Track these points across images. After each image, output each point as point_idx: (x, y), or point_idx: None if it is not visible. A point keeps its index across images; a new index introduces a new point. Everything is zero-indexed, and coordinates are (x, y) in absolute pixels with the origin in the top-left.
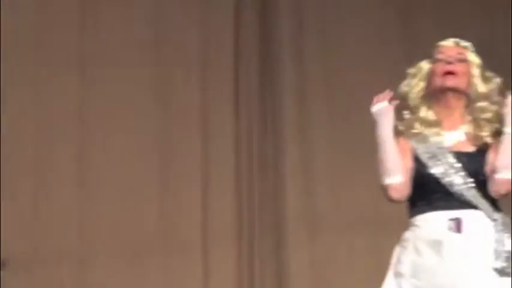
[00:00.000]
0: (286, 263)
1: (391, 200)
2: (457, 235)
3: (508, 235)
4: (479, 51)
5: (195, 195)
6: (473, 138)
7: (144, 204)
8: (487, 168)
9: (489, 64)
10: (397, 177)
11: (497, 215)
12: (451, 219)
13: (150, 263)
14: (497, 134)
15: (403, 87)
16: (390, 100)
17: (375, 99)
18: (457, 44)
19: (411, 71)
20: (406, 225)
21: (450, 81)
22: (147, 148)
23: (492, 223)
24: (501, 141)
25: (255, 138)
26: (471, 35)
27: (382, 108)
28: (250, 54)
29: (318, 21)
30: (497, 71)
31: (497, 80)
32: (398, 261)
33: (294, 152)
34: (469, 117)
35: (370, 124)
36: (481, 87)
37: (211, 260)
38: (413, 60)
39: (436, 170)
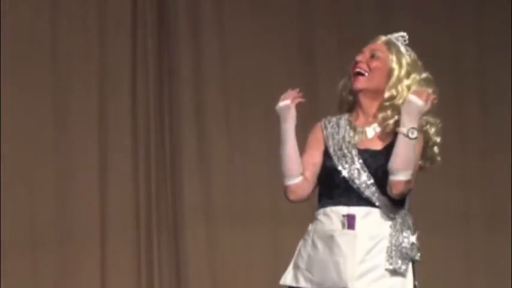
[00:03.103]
0: (184, 254)
1: (289, 201)
2: (349, 231)
3: (406, 235)
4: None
5: (92, 185)
6: (381, 135)
7: (40, 193)
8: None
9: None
10: (294, 179)
11: (397, 214)
12: (344, 215)
13: (46, 252)
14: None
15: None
16: (294, 99)
17: (281, 97)
18: (385, 42)
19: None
20: (303, 219)
21: (358, 84)
22: (43, 135)
23: (390, 222)
24: (396, 142)
25: (152, 129)
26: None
27: (284, 106)
28: (147, 38)
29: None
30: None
31: (417, 76)
32: (299, 253)
33: (191, 143)
34: (378, 114)
35: (267, 117)
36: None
37: (108, 251)
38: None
39: (340, 164)
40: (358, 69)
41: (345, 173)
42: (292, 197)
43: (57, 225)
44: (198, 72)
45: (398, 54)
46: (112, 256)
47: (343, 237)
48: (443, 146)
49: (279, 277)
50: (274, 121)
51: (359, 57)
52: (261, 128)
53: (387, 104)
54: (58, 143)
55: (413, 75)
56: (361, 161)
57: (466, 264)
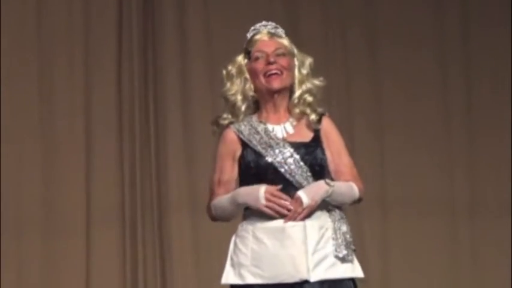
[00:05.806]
0: (168, 241)
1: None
2: (299, 223)
3: (345, 225)
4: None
5: (78, 172)
6: (301, 129)
7: (25, 181)
8: (329, 165)
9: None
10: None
11: (331, 205)
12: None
13: (32, 237)
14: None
15: (228, 91)
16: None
17: (270, 193)
18: (272, 36)
19: (232, 70)
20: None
21: (277, 83)
22: (29, 124)
23: (328, 213)
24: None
25: (138, 116)
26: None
27: (260, 200)
28: (132, 20)
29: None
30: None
31: (310, 60)
32: (237, 251)
33: (176, 130)
34: (293, 109)
35: None
36: (300, 76)
37: (93, 237)
38: None
39: (274, 159)
40: (275, 71)
41: (281, 169)
42: (213, 222)
43: (42, 210)
44: (183, 55)
45: (290, 46)
46: (97, 242)
47: (294, 229)
48: (429, 135)
49: None
50: None
51: (272, 58)
52: None
53: (305, 97)
54: (43, 128)
55: (303, 60)
56: (298, 156)
57: (450, 251)
